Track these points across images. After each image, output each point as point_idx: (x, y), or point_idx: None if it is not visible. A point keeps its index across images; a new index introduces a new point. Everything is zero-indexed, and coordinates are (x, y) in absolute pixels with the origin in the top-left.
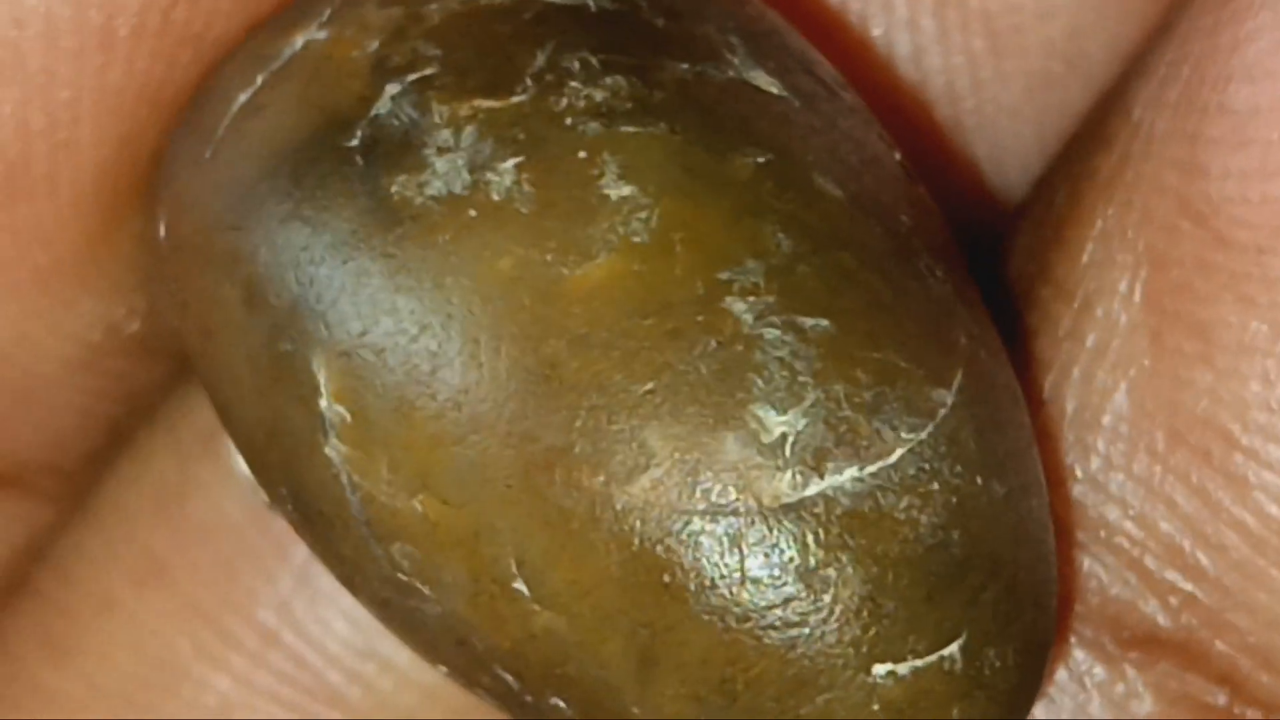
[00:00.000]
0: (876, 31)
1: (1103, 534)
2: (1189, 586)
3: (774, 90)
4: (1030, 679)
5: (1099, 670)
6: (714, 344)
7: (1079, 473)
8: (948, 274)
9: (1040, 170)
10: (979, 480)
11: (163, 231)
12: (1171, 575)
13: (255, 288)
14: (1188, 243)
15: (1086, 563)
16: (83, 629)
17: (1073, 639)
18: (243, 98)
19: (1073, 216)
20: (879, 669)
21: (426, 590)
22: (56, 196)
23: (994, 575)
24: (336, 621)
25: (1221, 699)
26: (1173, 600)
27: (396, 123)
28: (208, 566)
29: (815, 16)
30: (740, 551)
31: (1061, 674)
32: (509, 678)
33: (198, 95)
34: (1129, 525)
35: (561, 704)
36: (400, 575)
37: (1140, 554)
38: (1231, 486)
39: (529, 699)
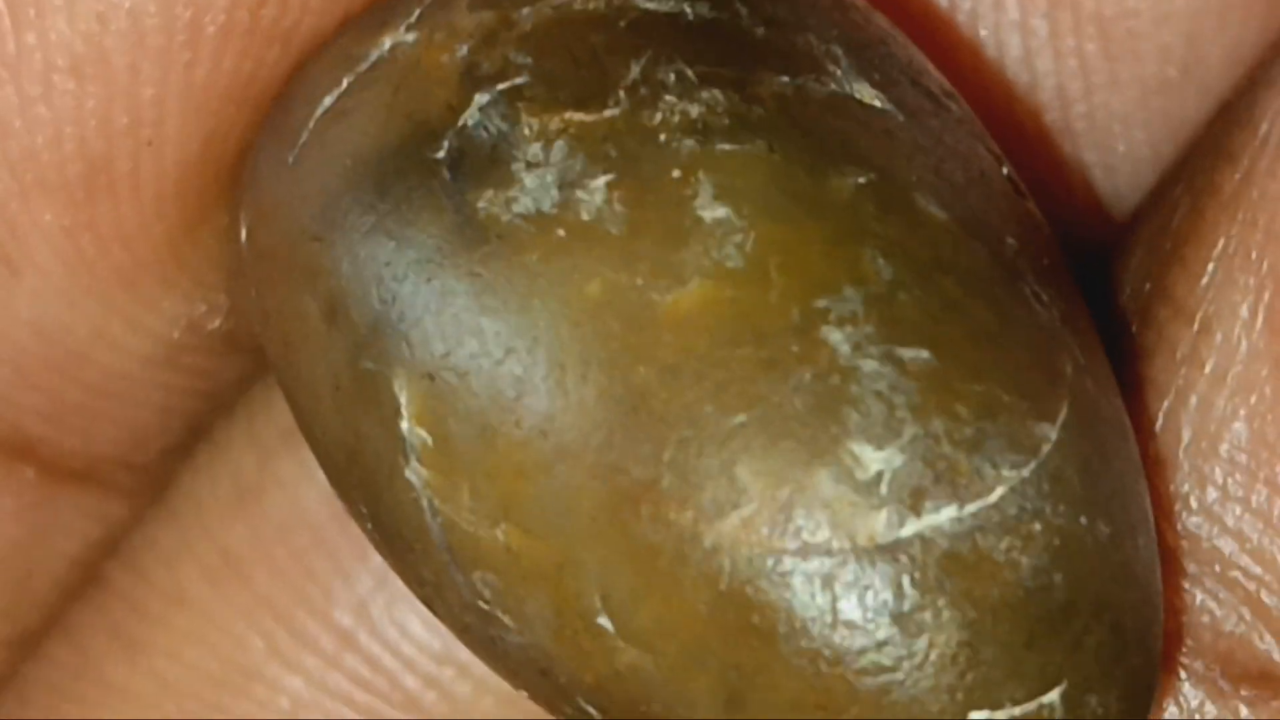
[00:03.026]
0: (985, 32)
1: (1218, 568)
2: None
3: (877, 104)
4: None
5: (1210, 708)
6: (809, 376)
7: (1194, 503)
8: (1054, 298)
9: (1154, 181)
10: (1083, 520)
11: (244, 236)
12: None
13: (337, 302)
14: None
15: (1199, 597)
16: (153, 624)
17: (1183, 675)
18: (328, 101)
19: (1193, 234)
20: (975, 717)
21: (508, 620)
22: (139, 195)
23: (1098, 619)
24: (414, 624)
25: None
26: None
27: (485, 135)
28: (284, 564)
29: (923, 16)
30: (833, 593)
31: (1171, 711)
32: (593, 711)
33: (283, 96)
34: (1246, 559)
35: None
36: (481, 604)
37: (1257, 589)
38: None
39: None
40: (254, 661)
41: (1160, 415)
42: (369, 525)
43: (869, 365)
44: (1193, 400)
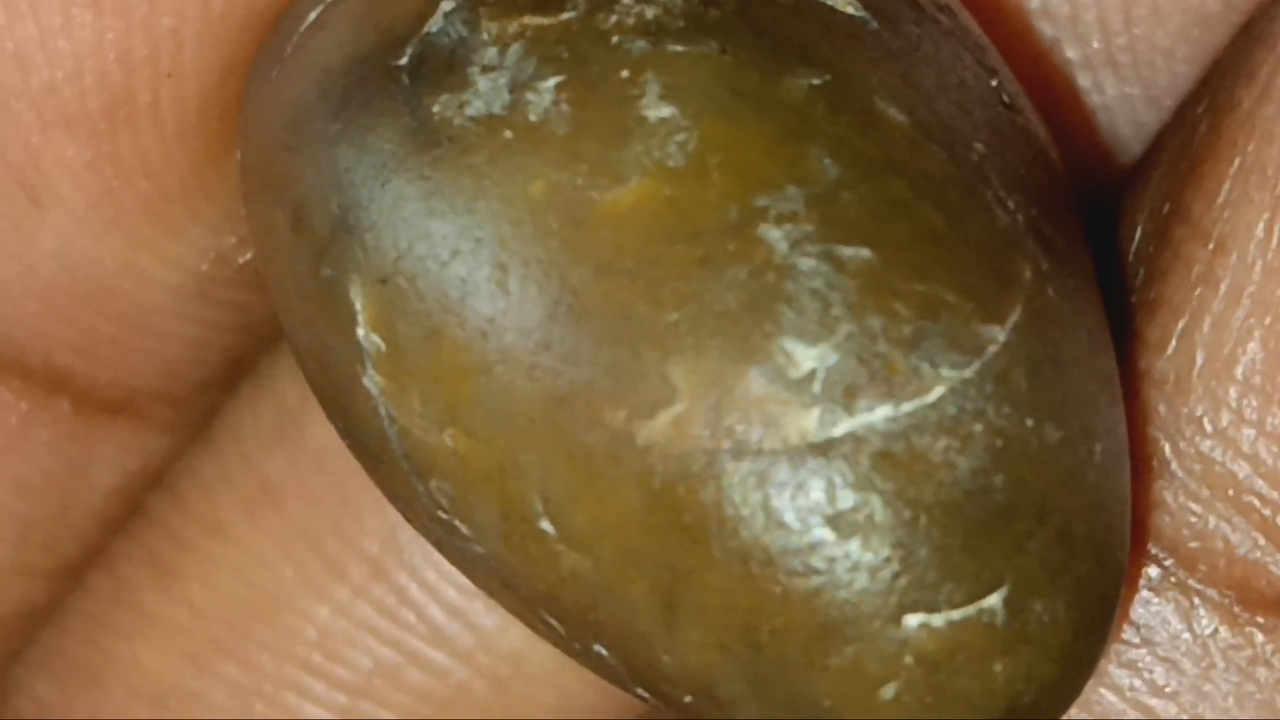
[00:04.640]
0: None
1: (1232, 492)
2: None
3: (849, 11)
4: (1089, 636)
5: (1224, 633)
6: (744, 273)
7: (1208, 427)
8: (1023, 205)
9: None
10: (1029, 423)
11: (239, 155)
12: None
13: (302, 211)
14: None
15: (1213, 522)
16: (190, 553)
17: (1197, 601)
18: (312, 16)
19: (1211, 152)
20: (911, 620)
21: (465, 529)
22: (160, 126)
23: (1042, 523)
24: (438, 554)
25: None
26: None
27: (446, 40)
28: (319, 492)
29: None
30: (765, 493)
31: (1185, 637)
32: (554, 622)
33: (280, 17)
34: (1260, 483)
35: (603, 651)
36: (441, 513)
37: (1272, 514)
38: None
39: (577, 645)
40: (284, 590)
41: (1175, 337)
42: (347, 440)
43: (806, 263)
44: (1207, 321)
